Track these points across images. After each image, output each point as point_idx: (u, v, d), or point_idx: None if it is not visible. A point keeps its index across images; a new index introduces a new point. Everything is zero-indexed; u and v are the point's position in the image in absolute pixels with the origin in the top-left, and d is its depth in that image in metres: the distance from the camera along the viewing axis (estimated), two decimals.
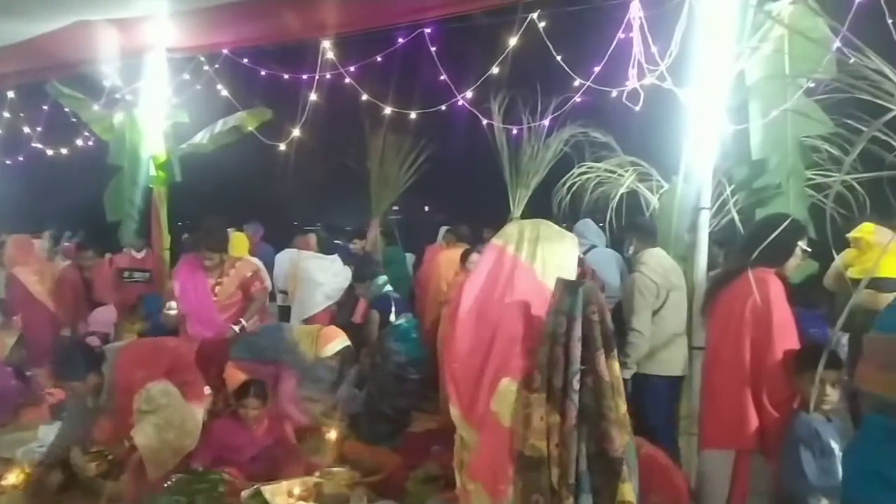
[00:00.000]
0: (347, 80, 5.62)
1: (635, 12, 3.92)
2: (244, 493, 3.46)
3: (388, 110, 5.89)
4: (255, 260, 5.92)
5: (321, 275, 6.13)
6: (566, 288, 2.16)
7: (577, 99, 5.02)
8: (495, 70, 5.22)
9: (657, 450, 2.90)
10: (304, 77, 5.69)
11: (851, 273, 4.42)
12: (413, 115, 5.91)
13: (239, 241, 6.33)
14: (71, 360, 3.66)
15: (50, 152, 7.87)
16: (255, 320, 5.05)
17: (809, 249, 3.07)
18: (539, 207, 6.14)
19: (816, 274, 4.95)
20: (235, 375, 4.56)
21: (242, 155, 7.68)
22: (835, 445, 2.60)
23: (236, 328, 4.80)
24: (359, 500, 3.54)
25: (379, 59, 5.54)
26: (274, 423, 4.11)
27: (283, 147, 6.34)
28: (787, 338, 2.79)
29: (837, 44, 2.81)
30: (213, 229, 4.96)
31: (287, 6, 5.05)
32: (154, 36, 5.63)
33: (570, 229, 3.98)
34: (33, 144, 7.69)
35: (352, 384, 5.27)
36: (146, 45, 5.78)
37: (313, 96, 5.74)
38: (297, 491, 3.48)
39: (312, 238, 6.97)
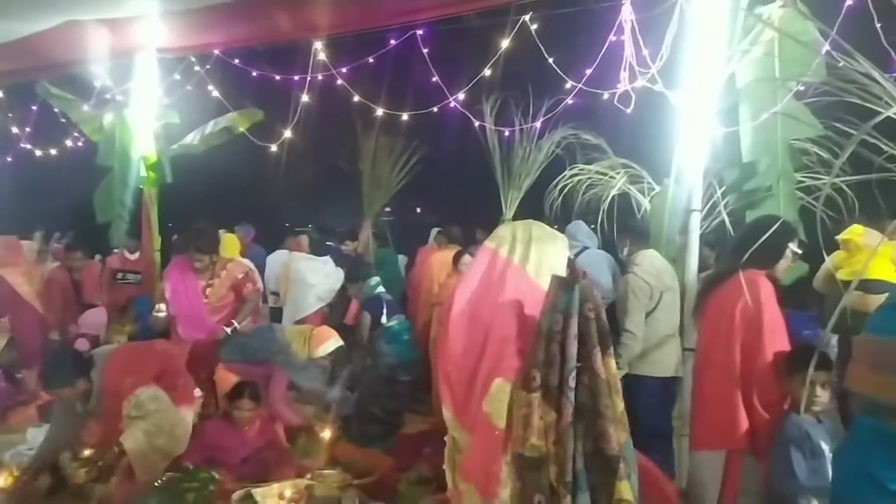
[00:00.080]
0: (339, 81, 5.62)
1: (627, 15, 3.94)
2: (235, 495, 3.44)
3: (380, 112, 5.89)
4: (247, 261, 5.88)
5: (313, 276, 6.11)
6: (562, 285, 2.14)
7: (569, 101, 5.04)
8: (487, 72, 5.23)
9: (647, 460, 2.90)
10: (296, 78, 5.69)
11: (841, 275, 4.45)
12: (405, 116, 5.92)
13: (230, 243, 6.29)
14: (60, 366, 3.63)
15: (39, 153, 7.84)
16: (248, 322, 5.02)
17: (800, 251, 3.08)
18: (531, 209, 6.14)
19: (806, 276, 4.93)
20: (226, 377, 4.54)
21: (234, 156, 7.66)
22: (825, 446, 2.61)
23: (228, 330, 4.77)
24: (350, 502, 3.52)
25: (371, 60, 5.56)
26: (265, 425, 4.09)
27: (274, 148, 6.32)
28: (777, 339, 2.80)
29: (827, 47, 2.82)
30: (204, 231, 4.92)
31: (278, 7, 5.04)
32: (144, 36, 5.61)
33: (561, 231, 3.97)
34: (22, 145, 7.64)
35: (344, 386, 5.25)
36: (136, 46, 5.75)
37: (305, 97, 5.73)
38: (288, 493, 3.46)
39: (304, 239, 6.96)
